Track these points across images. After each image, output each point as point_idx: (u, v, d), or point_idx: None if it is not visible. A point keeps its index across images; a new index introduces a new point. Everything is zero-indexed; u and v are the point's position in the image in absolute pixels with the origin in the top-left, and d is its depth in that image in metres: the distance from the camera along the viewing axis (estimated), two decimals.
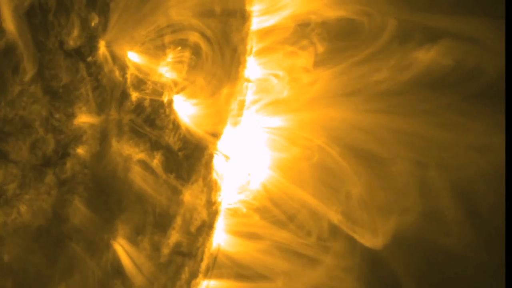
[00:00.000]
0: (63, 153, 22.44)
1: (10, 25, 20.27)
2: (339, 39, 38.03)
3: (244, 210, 37.35)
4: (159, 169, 26.55)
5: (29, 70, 20.93)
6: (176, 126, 26.89)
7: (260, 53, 37.76)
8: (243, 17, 33.88)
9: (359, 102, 37.47)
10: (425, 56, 34.56)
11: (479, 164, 29.88)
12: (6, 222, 21.09)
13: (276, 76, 38.02)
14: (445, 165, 31.79)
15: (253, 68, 37.50)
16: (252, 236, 37.60)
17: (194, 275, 32.28)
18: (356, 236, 35.69)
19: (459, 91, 31.84)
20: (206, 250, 33.90)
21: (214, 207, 33.72)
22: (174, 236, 28.65)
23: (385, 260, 33.66)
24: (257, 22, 36.65)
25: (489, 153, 29.58)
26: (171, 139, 26.81)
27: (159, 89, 25.67)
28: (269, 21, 37.25)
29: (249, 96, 37.56)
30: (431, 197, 32.21)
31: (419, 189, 32.73)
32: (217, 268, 36.95)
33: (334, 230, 36.03)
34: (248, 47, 36.09)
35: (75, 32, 22.27)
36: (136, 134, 25.40)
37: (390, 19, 35.95)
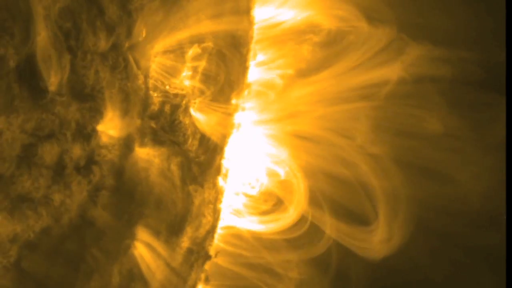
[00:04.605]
0: (89, 158, 22.50)
1: (41, 29, 20.26)
2: (334, 45, 38.69)
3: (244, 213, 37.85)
4: (176, 175, 26.86)
5: (59, 75, 20.94)
6: (193, 132, 27.27)
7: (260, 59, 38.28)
8: (249, 22, 34.46)
9: (355, 105, 38.20)
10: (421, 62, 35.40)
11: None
12: (33, 226, 21.03)
13: (273, 79, 38.58)
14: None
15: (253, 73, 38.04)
16: (248, 238, 38.05)
17: (200, 275, 32.73)
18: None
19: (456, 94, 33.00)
20: (209, 252, 34.36)
21: (218, 211, 34.21)
22: (187, 240, 29.02)
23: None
24: (257, 29, 37.23)
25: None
26: (188, 145, 27.16)
27: (179, 95, 25.99)
28: (269, 27, 37.84)
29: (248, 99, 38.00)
30: None
31: None
32: (215, 269, 37.31)
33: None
34: (251, 53, 36.60)
35: (103, 38, 22.38)
36: (157, 139, 25.65)
37: (385, 26, 36.71)
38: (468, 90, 32.54)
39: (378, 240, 36.24)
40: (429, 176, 33.58)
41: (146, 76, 24.48)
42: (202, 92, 27.99)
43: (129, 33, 23.36)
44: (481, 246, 30.94)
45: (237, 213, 36.49)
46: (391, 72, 36.44)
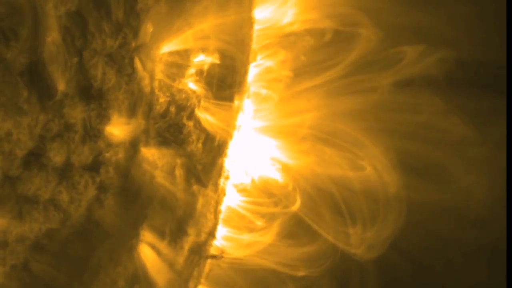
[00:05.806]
0: (96, 159, 22.52)
1: (49, 31, 20.26)
2: (333, 47, 38.77)
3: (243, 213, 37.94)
4: (181, 176, 26.92)
5: (67, 76, 20.96)
6: (197, 133, 27.34)
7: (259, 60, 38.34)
8: (251, 23, 34.54)
9: (351, 107, 38.35)
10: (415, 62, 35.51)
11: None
12: (40, 227, 21.02)
13: (273, 80, 38.68)
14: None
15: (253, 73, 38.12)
16: (248, 239, 38.14)
17: (201, 276, 32.82)
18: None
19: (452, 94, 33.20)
20: (210, 253, 34.43)
21: (219, 212, 34.33)
22: (189, 241, 29.07)
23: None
24: (257, 30, 37.28)
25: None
26: (193, 146, 27.22)
27: (184, 96, 26.06)
28: (268, 28, 37.91)
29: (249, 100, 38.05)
30: None
31: None
32: (216, 270, 37.36)
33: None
34: (252, 54, 36.66)
35: (109, 39, 22.40)
36: (162, 140, 25.71)
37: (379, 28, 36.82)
38: (468, 90, 32.79)
39: (376, 240, 36.49)
40: (428, 177, 33.85)
41: (152, 77, 24.52)
42: (206, 93, 28.07)
43: (135, 34, 23.39)
44: (480, 245, 31.31)
45: (236, 213, 36.61)
46: (391, 73, 36.60)
